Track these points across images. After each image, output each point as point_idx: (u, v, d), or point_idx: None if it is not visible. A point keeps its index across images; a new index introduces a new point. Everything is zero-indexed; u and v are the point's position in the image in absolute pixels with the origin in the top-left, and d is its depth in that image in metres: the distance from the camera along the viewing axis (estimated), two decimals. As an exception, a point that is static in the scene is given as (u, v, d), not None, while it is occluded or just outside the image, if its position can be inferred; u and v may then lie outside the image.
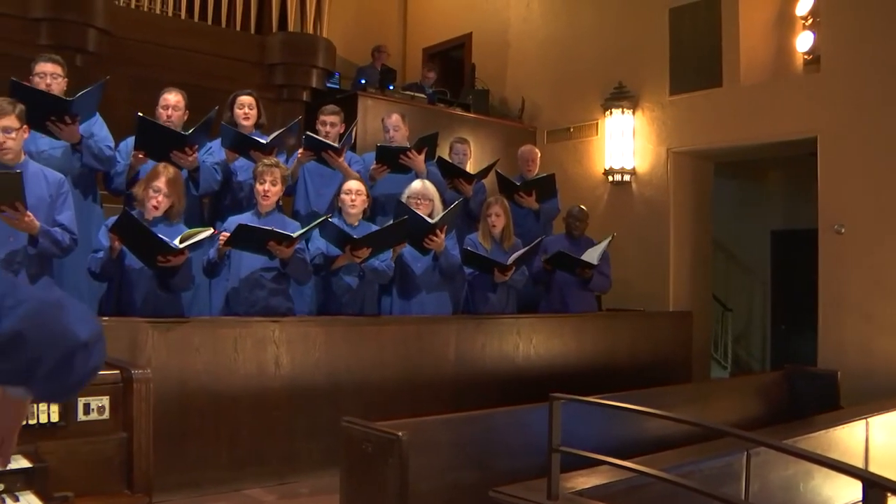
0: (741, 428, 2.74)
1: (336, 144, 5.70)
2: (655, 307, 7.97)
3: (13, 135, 4.12)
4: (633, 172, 8.65)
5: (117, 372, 2.87)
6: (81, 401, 2.76)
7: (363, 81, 8.87)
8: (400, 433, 3.11)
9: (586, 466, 3.01)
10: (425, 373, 5.32)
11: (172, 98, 5.40)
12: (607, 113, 8.72)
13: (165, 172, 4.61)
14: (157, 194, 4.55)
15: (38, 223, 4.07)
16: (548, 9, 9.70)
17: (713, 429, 2.60)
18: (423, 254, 5.58)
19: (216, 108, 5.30)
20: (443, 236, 5.47)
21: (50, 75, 4.92)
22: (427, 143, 6.07)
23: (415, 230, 5.34)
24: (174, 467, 4.18)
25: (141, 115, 4.92)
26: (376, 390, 5.05)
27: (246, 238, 4.67)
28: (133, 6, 7.92)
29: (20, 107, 4.17)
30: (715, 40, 7.92)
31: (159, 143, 4.98)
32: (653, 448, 3.85)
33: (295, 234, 4.71)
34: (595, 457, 2.78)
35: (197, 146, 5.09)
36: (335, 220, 5.21)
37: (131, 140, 5.11)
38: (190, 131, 5.04)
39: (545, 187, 6.81)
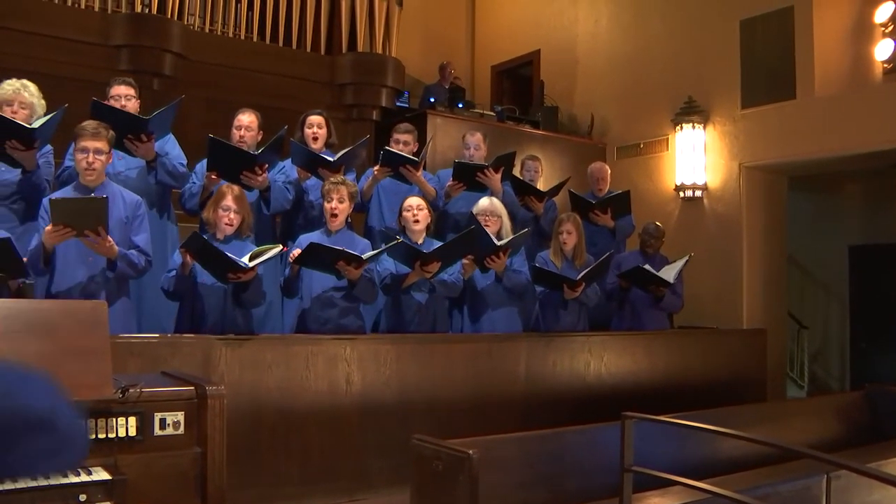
0: (820, 450, 2.66)
1: (415, 158, 5.73)
2: (728, 325, 7.82)
3: (102, 157, 4.27)
4: (704, 188, 8.52)
5: (192, 388, 2.92)
6: (157, 416, 2.81)
7: (432, 100, 8.92)
8: (470, 451, 3.10)
9: (659, 487, 2.96)
10: (496, 391, 5.30)
11: (246, 118, 5.49)
12: (677, 128, 8.61)
13: (230, 191, 4.70)
14: (228, 212, 4.64)
15: (116, 248, 4.18)
16: (616, 24, 9.65)
17: (791, 450, 2.53)
18: (483, 271, 5.54)
19: (285, 127, 5.38)
20: (505, 259, 5.42)
21: (124, 97, 5.15)
22: (504, 162, 6.03)
23: (480, 247, 5.31)
24: (246, 482, 4.23)
25: (212, 136, 5.04)
26: (446, 408, 5.05)
27: (316, 257, 4.72)
28: (207, 30, 8.13)
29: (112, 133, 4.33)
30: (788, 51, 7.77)
31: (230, 163, 5.08)
32: (727, 469, 3.77)
33: (365, 256, 4.72)
34: (668, 477, 2.73)
35: (267, 166, 5.18)
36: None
37: (203, 163, 5.23)
38: (259, 151, 5.13)
39: (620, 205, 6.73)
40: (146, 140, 4.84)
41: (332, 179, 5.07)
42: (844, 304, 10.27)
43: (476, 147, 6.33)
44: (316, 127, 5.73)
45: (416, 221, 5.30)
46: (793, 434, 4.76)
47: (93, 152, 4.23)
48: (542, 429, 4.01)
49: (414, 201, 5.35)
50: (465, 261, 5.37)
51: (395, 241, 4.95)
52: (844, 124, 7.28)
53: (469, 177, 5.93)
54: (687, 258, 6.53)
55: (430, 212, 5.41)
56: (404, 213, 5.34)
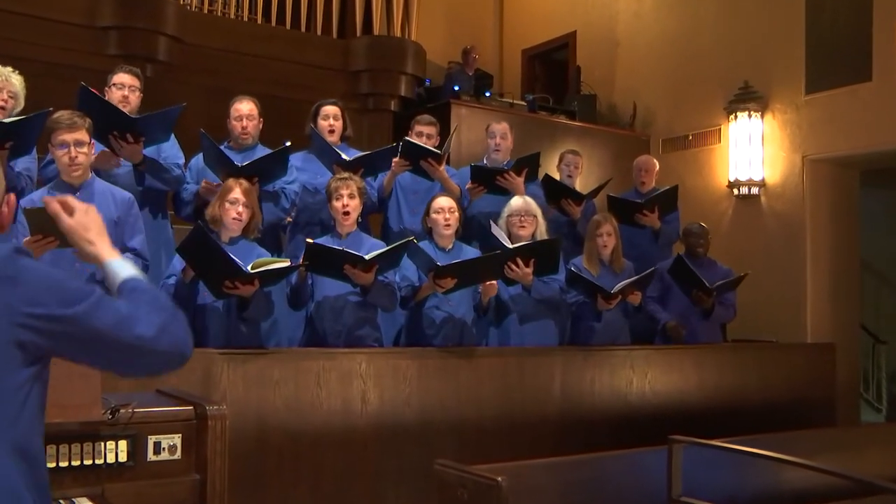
0: (899, 480, 2.62)
1: (438, 150, 5.72)
2: (790, 338, 7.76)
3: (85, 149, 4.28)
4: (762, 184, 8.46)
5: (190, 408, 2.92)
6: (151, 439, 2.81)
7: (457, 88, 8.89)
8: (499, 478, 3.10)
9: (712, 520, 2.94)
10: (527, 410, 5.28)
11: (245, 107, 5.44)
12: (731, 117, 8.56)
13: (238, 184, 4.63)
14: (236, 206, 4.55)
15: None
16: (662, 1, 9.61)
17: (868, 483, 2.49)
18: (508, 284, 5.49)
19: (287, 143, 5.24)
20: (528, 269, 5.32)
21: (128, 87, 5.16)
22: (527, 164, 6.02)
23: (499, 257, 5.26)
24: (251, 512, 4.25)
25: (203, 131, 5.06)
26: (473, 429, 5.03)
27: (320, 261, 4.69)
28: (206, 11, 8.17)
29: (89, 121, 4.32)
30: (864, 26, 7.62)
31: (221, 166, 5.07)
32: (790, 502, 3.73)
33: (368, 257, 4.62)
34: (722, 509, 2.71)
35: (257, 179, 5.04)
36: (425, 244, 5.17)
37: (199, 159, 5.25)
38: (248, 162, 5.06)
39: (667, 201, 6.67)
40: (133, 141, 4.77)
41: (338, 175, 5.03)
42: (928, 316, 10.16)
43: (503, 136, 6.31)
44: (332, 118, 5.73)
45: (448, 225, 5.22)
46: (868, 464, 4.69)
47: (73, 145, 4.23)
48: (579, 453, 4.01)
49: (445, 202, 5.26)
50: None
51: (406, 241, 4.87)
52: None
53: (488, 180, 5.94)
54: (739, 277, 6.45)
55: (461, 214, 5.37)
56: (433, 215, 5.25)
